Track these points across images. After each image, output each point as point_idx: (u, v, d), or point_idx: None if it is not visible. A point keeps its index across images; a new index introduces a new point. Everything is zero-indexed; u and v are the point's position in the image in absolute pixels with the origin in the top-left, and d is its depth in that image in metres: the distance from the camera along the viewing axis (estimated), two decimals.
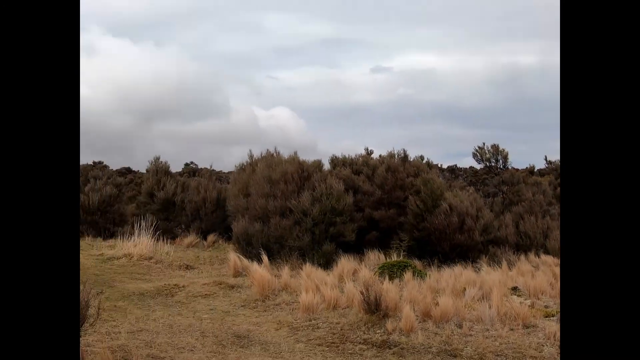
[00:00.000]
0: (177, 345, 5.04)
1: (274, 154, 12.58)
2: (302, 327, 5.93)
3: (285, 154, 12.21)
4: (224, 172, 34.21)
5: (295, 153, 11.79)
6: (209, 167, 22.69)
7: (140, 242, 11.86)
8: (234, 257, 9.52)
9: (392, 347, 5.21)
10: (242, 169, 13.34)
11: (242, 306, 7.02)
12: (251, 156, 13.37)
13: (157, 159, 15.77)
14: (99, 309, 4.16)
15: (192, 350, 4.92)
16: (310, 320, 6.06)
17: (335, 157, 14.07)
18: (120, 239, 12.58)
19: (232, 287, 8.04)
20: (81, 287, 3.97)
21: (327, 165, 13.14)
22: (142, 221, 12.46)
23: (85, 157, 24.07)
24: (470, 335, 5.39)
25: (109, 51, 48.72)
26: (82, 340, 4.46)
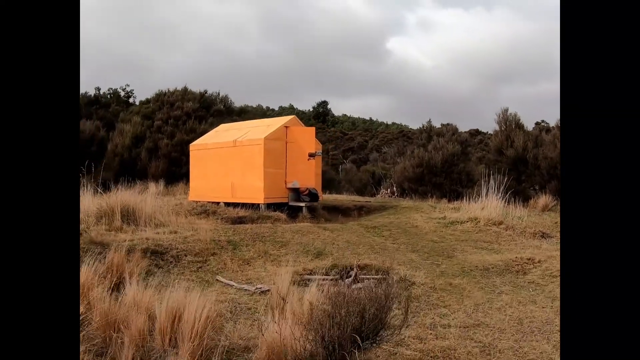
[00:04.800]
0: (526, 355, 3.66)
1: None
2: None
3: None
4: None
5: None
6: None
7: (488, 205, 10.71)
8: None
9: None
10: None
11: None
12: None
13: (506, 110, 14.24)
14: (406, 308, 3.09)
15: None
16: None
17: None
18: (467, 200, 11.64)
19: None
20: (390, 278, 2.96)
21: None
22: (490, 181, 11.25)
23: (434, 121, 24.22)
24: None
25: (444, 22, 49.56)
26: (393, 338, 3.52)
